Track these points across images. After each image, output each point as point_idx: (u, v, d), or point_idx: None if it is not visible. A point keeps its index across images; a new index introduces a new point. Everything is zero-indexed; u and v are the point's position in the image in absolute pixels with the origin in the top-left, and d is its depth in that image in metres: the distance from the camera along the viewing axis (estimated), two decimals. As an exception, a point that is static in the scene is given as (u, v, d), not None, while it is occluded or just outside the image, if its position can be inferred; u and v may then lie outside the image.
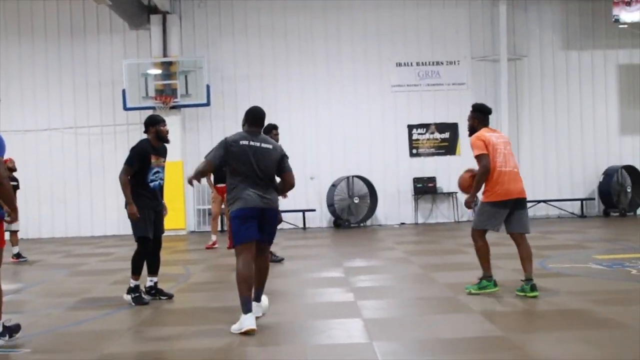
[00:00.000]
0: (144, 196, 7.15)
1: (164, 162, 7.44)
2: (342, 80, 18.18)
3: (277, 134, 9.75)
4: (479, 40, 18.33)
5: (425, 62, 18.27)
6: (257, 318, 5.88)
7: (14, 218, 5.61)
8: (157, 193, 7.34)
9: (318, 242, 13.74)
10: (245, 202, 5.86)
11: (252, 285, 5.91)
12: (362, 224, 17.42)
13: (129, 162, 7.14)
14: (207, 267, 10.47)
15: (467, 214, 18.03)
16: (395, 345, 5.31)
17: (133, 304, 7.17)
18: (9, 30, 18.18)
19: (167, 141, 7.40)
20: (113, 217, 17.74)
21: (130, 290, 7.27)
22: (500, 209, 6.83)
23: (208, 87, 16.85)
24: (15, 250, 12.00)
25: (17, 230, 12.02)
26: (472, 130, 7.11)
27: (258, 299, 6.18)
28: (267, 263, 6.23)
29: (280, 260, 10.30)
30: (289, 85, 18.12)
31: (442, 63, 18.29)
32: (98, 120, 17.91)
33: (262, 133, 6.22)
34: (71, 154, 17.90)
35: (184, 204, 17.35)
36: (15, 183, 11.99)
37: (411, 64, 18.24)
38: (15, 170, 12.15)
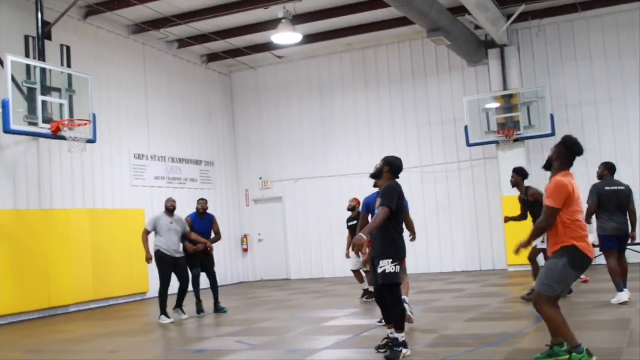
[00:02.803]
0: None
1: None
2: None
3: None
4: None
5: None
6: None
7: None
8: None
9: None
10: (607, 230, 9.49)
11: (620, 275, 9.27)
12: None
13: None
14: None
15: None
16: None
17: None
18: (357, 78, 19.59)
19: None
20: (461, 253, 17.95)
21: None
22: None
23: (552, 116, 16.22)
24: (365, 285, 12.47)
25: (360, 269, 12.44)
26: (548, 166, 6.02)
27: (625, 286, 9.29)
28: (625, 264, 9.57)
29: None
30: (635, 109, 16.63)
31: None
32: (442, 158, 18.31)
33: (613, 178, 9.57)
34: (418, 193, 18.26)
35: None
36: (355, 222, 11.89)
37: None
38: (353, 210, 12.42)
